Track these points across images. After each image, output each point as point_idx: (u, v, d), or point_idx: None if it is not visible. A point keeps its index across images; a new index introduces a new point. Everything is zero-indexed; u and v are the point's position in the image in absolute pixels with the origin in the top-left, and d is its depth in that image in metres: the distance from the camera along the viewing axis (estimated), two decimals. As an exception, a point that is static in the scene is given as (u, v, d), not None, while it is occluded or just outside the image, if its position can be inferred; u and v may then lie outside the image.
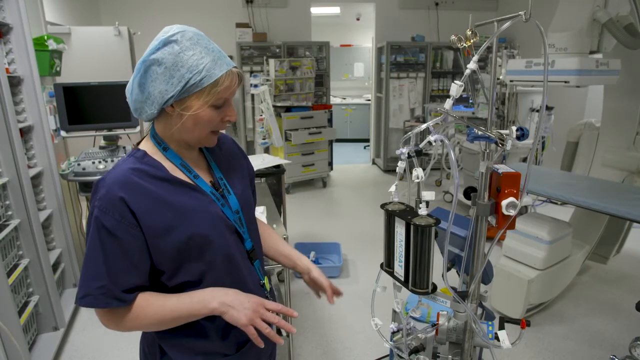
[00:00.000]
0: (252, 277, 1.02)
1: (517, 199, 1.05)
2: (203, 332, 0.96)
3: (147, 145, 0.95)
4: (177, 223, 0.88)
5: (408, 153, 1.06)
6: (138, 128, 2.94)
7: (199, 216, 0.91)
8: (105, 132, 2.88)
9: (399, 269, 1.11)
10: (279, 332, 1.16)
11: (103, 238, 0.84)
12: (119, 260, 0.85)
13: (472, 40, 1.01)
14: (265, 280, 1.07)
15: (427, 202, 1.04)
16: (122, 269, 0.85)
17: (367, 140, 7.74)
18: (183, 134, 0.91)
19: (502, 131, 1.04)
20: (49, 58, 2.75)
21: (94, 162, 2.70)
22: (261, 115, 3.87)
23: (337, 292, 1.15)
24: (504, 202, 1.05)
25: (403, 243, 1.07)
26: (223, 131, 1.02)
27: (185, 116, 0.87)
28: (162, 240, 0.87)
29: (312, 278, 1.14)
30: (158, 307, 0.88)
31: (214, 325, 0.96)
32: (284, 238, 1.89)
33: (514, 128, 1.03)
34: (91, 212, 0.86)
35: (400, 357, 1.31)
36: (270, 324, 0.91)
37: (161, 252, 0.88)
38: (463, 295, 1.17)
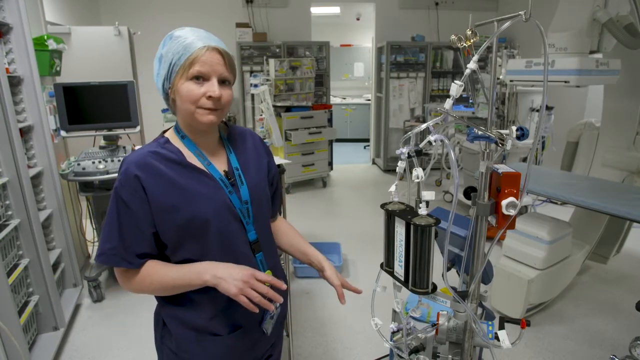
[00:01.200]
0: (253, 267, 1.03)
1: (517, 199, 1.05)
2: (193, 306, 1.03)
3: (170, 134, 1.06)
4: (181, 204, 0.97)
5: (408, 153, 1.06)
6: (138, 128, 2.94)
7: (204, 200, 0.99)
8: (105, 132, 2.88)
9: (399, 268, 1.11)
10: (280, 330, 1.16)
11: (119, 207, 0.96)
12: (130, 228, 0.96)
13: (472, 40, 1.00)
14: (268, 272, 1.09)
15: (427, 202, 1.04)
16: (132, 235, 0.96)
17: (367, 140, 7.74)
18: (180, 114, 1.01)
19: (502, 131, 1.04)
20: (49, 58, 2.75)
21: (94, 162, 2.70)
22: (261, 115, 3.87)
23: (354, 291, 1.16)
24: (504, 202, 1.05)
25: (403, 243, 1.07)
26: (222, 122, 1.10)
27: (173, 94, 0.97)
28: (166, 217, 0.96)
29: (324, 277, 1.16)
30: (162, 274, 0.98)
31: (203, 301, 1.02)
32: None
33: (514, 128, 1.03)
34: (114, 187, 0.97)
35: (400, 357, 1.31)
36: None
37: (165, 228, 0.97)
38: (463, 295, 1.17)
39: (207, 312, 1.02)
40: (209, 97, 0.94)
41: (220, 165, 1.05)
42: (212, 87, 0.94)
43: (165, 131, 1.07)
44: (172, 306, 1.04)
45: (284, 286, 1.01)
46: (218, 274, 0.93)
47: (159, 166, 0.97)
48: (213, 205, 0.99)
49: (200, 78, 0.94)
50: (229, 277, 0.93)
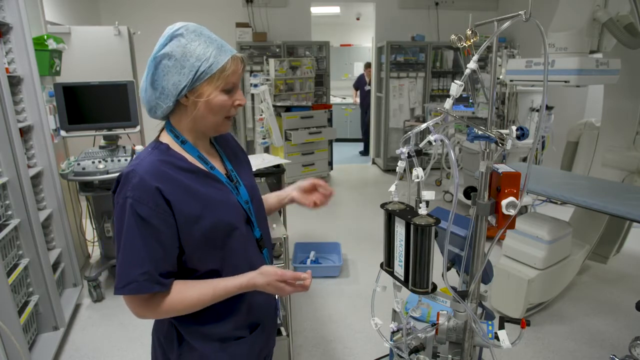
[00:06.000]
0: (262, 264, 1.07)
1: (517, 199, 1.05)
2: (217, 318, 1.01)
3: (167, 139, 0.99)
4: (204, 211, 0.93)
5: (408, 153, 1.06)
6: (138, 128, 2.94)
7: (222, 205, 0.97)
8: (105, 132, 2.88)
9: (399, 268, 1.11)
10: (279, 332, 1.18)
11: (140, 226, 0.87)
12: (156, 247, 0.89)
13: (472, 40, 1.00)
14: None
15: (427, 202, 1.04)
16: (158, 256, 0.89)
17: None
18: (199, 122, 0.96)
19: (502, 131, 1.04)
20: (48, 58, 2.75)
21: (93, 162, 2.70)
22: (261, 115, 3.87)
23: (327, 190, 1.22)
24: (504, 202, 1.05)
25: (403, 243, 1.07)
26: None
27: (199, 103, 0.92)
28: (192, 228, 0.92)
29: (300, 192, 1.22)
30: (200, 289, 0.94)
31: (227, 312, 1.01)
32: (284, 238, 1.89)
33: (514, 128, 1.03)
34: (123, 202, 0.88)
35: (400, 356, 1.31)
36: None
37: (191, 239, 0.93)
38: (463, 295, 1.17)
39: (231, 322, 1.02)
40: (237, 105, 0.97)
41: (219, 168, 1.04)
42: (241, 96, 0.98)
43: (158, 136, 1.01)
44: (194, 324, 1.00)
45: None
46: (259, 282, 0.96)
47: (175, 175, 0.92)
48: (230, 208, 0.99)
49: (232, 89, 0.95)
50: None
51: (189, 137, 0.99)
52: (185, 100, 0.93)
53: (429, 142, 1.03)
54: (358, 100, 7.88)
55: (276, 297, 1.14)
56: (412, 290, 1.08)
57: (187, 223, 0.91)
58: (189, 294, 0.93)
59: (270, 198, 1.27)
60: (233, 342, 1.03)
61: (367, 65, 7.38)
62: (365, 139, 7.61)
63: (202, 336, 1.01)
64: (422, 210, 1.03)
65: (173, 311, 0.94)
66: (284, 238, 1.89)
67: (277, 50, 5.92)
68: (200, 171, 0.98)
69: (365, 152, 7.62)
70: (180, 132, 0.98)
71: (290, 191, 1.24)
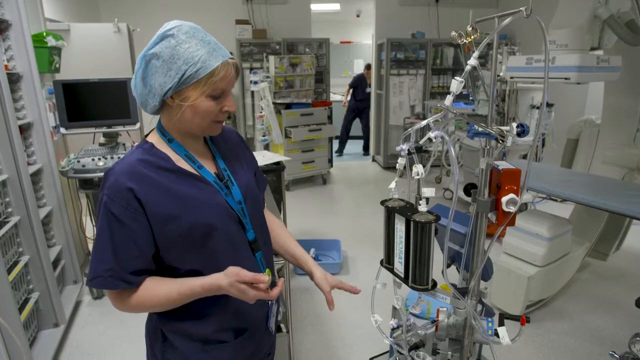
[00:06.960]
0: (253, 267, 1.02)
1: (517, 196, 1.05)
2: (200, 318, 0.99)
3: (154, 138, 0.99)
4: (181, 212, 0.92)
5: (408, 150, 1.06)
6: (138, 125, 2.94)
7: (203, 206, 0.95)
8: (104, 129, 2.87)
9: (399, 265, 1.11)
10: (279, 329, 1.17)
11: (111, 224, 0.89)
12: (126, 245, 0.90)
13: (472, 37, 1.00)
14: (267, 272, 1.05)
15: (427, 199, 1.04)
16: (128, 254, 0.90)
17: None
18: (184, 124, 0.95)
19: (503, 128, 1.04)
20: (48, 55, 2.74)
21: (93, 159, 2.69)
22: (261, 112, 3.87)
23: (350, 291, 1.19)
24: (504, 199, 1.05)
25: (403, 240, 1.07)
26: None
27: (184, 107, 0.90)
28: (166, 228, 0.91)
29: (314, 282, 1.17)
30: (167, 289, 0.93)
31: (211, 312, 0.99)
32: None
33: (514, 124, 1.03)
34: (100, 200, 0.90)
35: (400, 353, 1.31)
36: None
37: (166, 239, 0.92)
38: (463, 292, 1.17)
39: (214, 323, 1.00)
40: (225, 112, 0.95)
41: (209, 167, 1.01)
42: (230, 102, 0.95)
43: (147, 134, 1.01)
44: (176, 321, 1.00)
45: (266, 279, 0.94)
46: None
47: (151, 175, 0.91)
48: (213, 209, 0.96)
49: (221, 95, 0.92)
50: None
51: (177, 135, 0.97)
52: (171, 102, 0.91)
53: (429, 139, 1.02)
54: (348, 98, 7.46)
55: (269, 303, 1.10)
56: (412, 287, 1.08)
57: (161, 223, 0.91)
58: (157, 291, 0.93)
59: (286, 242, 1.23)
60: (216, 345, 1.01)
61: (368, 67, 7.10)
62: (352, 140, 7.51)
63: (183, 335, 1.00)
64: (422, 207, 1.03)
65: (143, 307, 0.95)
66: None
67: (277, 47, 5.90)
68: (182, 171, 0.96)
69: (365, 152, 7.56)
70: (169, 130, 0.97)
71: (313, 267, 1.17)
